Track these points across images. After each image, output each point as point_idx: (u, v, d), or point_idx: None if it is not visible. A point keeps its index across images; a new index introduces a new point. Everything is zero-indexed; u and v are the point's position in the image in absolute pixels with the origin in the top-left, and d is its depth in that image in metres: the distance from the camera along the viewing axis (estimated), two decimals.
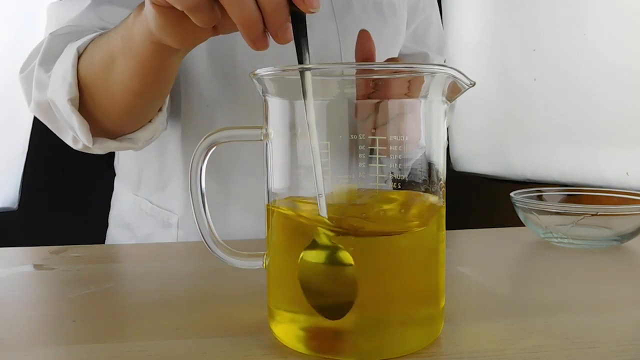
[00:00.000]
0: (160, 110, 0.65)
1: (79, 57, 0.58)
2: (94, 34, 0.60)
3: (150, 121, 0.64)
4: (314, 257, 0.32)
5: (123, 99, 0.57)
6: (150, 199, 0.78)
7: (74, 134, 0.61)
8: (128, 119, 0.62)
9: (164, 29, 0.44)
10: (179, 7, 0.39)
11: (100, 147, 0.62)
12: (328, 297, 0.32)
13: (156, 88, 0.58)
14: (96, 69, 0.57)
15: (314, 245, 0.32)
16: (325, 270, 0.32)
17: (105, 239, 0.86)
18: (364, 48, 0.51)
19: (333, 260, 0.31)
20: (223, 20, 0.40)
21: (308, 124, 0.32)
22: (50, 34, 0.64)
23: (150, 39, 0.48)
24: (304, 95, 0.31)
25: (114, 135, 0.64)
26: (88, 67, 0.58)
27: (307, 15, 0.36)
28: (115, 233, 0.84)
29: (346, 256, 0.31)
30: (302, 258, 0.32)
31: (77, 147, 0.64)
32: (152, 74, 0.54)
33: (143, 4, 0.48)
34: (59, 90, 0.58)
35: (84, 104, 0.60)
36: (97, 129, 0.61)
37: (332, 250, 0.31)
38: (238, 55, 0.70)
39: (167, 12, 0.42)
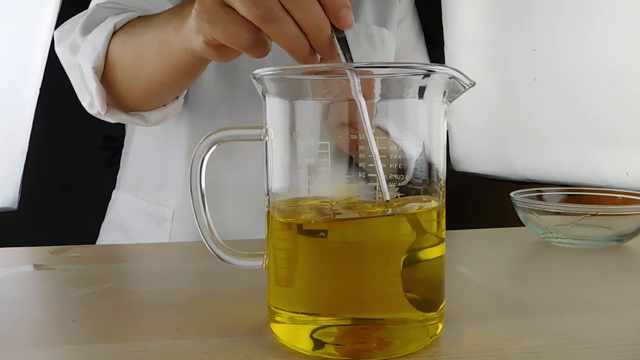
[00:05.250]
0: (176, 97, 0.68)
1: (115, 32, 0.62)
2: (134, 14, 0.63)
3: (164, 105, 0.67)
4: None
5: (148, 85, 0.61)
6: (148, 198, 0.80)
7: (91, 99, 0.65)
8: (145, 100, 0.66)
9: (212, 55, 0.46)
10: (235, 48, 0.41)
11: (112, 117, 0.66)
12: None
13: (183, 82, 0.63)
14: (127, 52, 0.60)
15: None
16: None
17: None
18: None
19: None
20: None
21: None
22: (96, 5, 0.67)
23: (192, 54, 0.50)
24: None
25: (127, 109, 0.67)
26: (119, 47, 0.61)
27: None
28: (107, 237, 0.85)
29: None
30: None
31: (92, 112, 0.68)
32: (183, 74, 0.58)
33: (179, 13, 0.50)
34: (88, 56, 0.62)
35: (106, 75, 0.63)
36: (114, 100, 0.65)
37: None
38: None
39: (218, 47, 0.44)
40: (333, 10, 0.37)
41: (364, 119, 0.32)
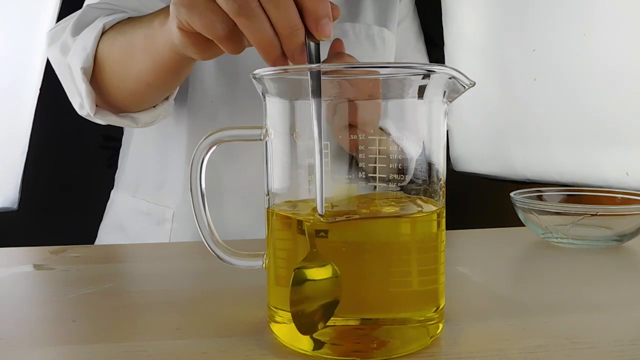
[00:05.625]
0: (167, 99, 0.68)
1: (104, 32, 0.62)
2: (125, 15, 0.63)
3: (154, 106, 0.67)
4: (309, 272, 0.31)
5: (135, 85, 0.61)
6: (148, 199, 0.80)
7: (81, 100, 0.65)
8: (134, 101, 0.66)
9: (188, 47, 0.46)
10: (209, 37, 0.41)
11: (102, 118, 0.66)
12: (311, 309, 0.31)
13: (169, 83, 0.62)
14: (115, 50, 0.60)
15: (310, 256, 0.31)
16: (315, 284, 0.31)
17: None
18: (335, 49, 0.56)
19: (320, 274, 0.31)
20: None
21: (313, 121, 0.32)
22: (87, 5, 0.67)
23: (173, 49, 0.50)
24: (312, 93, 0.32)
25: (117, 110, 0.67)
26: (108, 46, 0.61)
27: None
28: (106, 238, 0.85)
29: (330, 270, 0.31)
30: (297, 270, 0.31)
31: (82, 113, 0.68)
32: (168, 73, 0.57)
33: (166, 9, 0.50)
34: (77, 57, 0.62)
35: (95, 76, 0.63)
36: (104, 101, 0.65)
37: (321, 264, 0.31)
38: (242, 54, 0.72)
39: (193, 35, 0.44)
40: (314, 18, 0.37)
41: (315, 123, 0.32)
